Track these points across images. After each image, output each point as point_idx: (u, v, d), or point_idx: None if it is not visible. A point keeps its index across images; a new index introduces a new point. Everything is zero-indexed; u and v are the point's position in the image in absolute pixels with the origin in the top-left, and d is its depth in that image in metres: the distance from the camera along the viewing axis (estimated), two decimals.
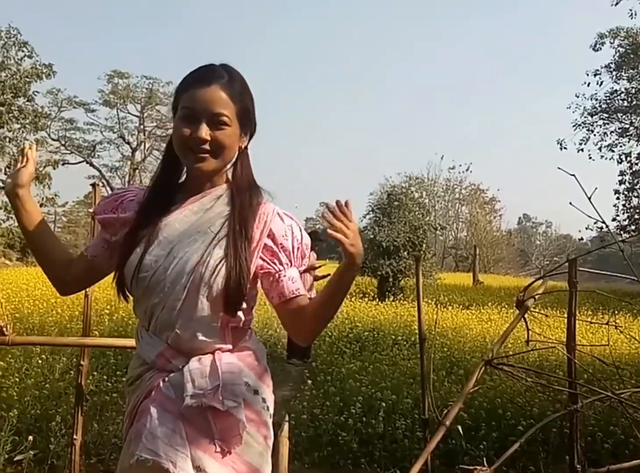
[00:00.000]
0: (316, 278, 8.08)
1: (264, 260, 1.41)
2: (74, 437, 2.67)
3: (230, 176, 1.48)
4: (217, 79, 1.37)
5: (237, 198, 1.42)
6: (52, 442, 3.56)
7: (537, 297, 2.08)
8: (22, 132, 24.42)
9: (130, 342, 1.76)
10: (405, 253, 14.90)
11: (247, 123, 1.44)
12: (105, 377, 4.87)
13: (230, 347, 1.41)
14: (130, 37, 67.67)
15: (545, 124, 78.15)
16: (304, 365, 6.93)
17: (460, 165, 41.05)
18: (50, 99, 34.61)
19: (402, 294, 14.43)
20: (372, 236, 15.03)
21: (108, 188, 40.28)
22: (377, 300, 13.12)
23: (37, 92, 25.34)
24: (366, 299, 12.80)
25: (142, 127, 39.71)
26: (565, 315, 2.70)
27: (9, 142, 24.13)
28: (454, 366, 6.15)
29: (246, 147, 1.47)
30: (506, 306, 12.72)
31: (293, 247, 1.43)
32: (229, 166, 1.45)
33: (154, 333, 1.40)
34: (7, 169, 23.63)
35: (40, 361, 4.84)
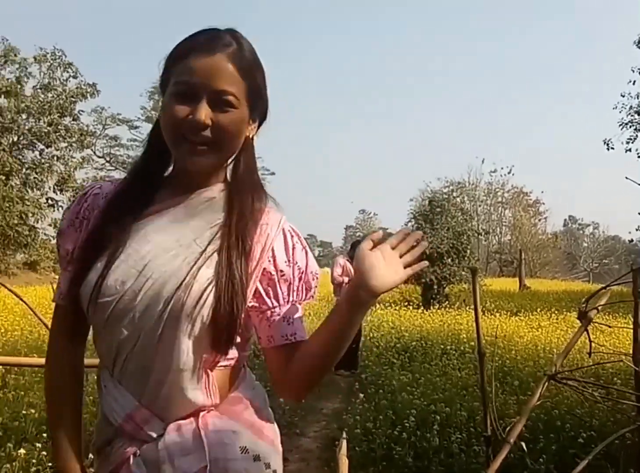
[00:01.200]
0: None
1: (256, 289, 1.08)
2: None
3: (228, 173, 1.14)
4: (223, 47, 1.02)
5: (236, 202, 1.08)
6: None
7: (600, 307, 2.01)
8: (69, 150, 25.22)
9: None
10: (449, 259, 14.72)
11: (258, 106, 1.10)
12: None
13: (216, 401, 1.07)
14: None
15: (590, 124, 76.44)
16: (352, 376, 6.89)
17: (502, 169, 40.63)
18: (94, 118, 35.55)
19: (447, 302, 14.24)
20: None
21: None
22: (422, 308, 12.97)
23: (82, 111, 26.13)
24: (411, 307, 12.68)
25: None
26: (630, 325, 2.59)
27: (57, 160, 24.92)
28: (507, 376, 6.01)
29: (253, 137, 1.13)
30: (556, 312, 12.42)
31: (294, 277, 1.09)
32: (230, 160, 1.12)
33: (120, 382, 1.04)
34: (56, 187, 24.43)
35: (95, 377, 4.93)
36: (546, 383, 2.22)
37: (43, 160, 24.53)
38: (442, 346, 7.58)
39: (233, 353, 1.09)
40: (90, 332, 1.13)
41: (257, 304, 1.08)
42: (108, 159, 38.61)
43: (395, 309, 12.12)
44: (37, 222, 23.37)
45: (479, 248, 32.69)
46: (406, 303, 13.97)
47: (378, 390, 5.18)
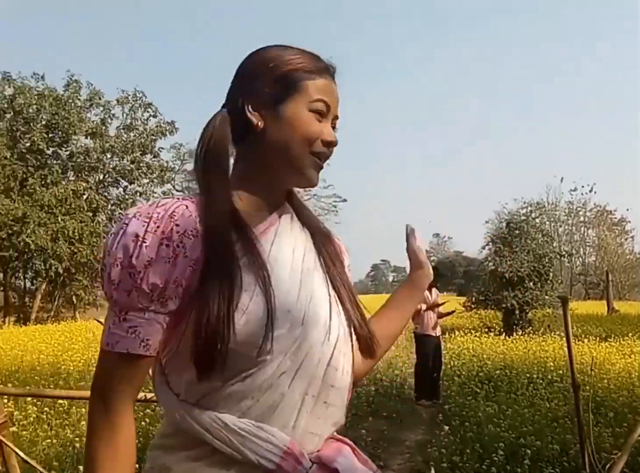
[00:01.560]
0: (440, 316, 7.93)
1: None
2: None
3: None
4: (334, 74, 1.05)
5: (313, 221, 1.10)
6: None
7: None
8: (151, 186, 26.42)
9: None
10: (531, 283, 14.22)
11: None
12: None
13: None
14: None
15: None
16: (433, 406, 6.72)
17: (582, 187, 38.99)
18: (173, 154, 37.05)
19: (530, 327, 13.69)
20: (493, 267, 14.51)
21: None
22: (505, 334, 12.54)
23: (161, 148, 27.39)
24: (492, 334, 12.29)
25: None
26: None
27: (140, 196, 26.12)
28: (600, 407, 5.69)
29: None
30: None
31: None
32: None
33: (262, 422, 0.90)
34: None
35: None
36: None
37: (127, 196, 25.81)
38: (527, 375, 7.28)
39: None
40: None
41: None
42: (187, 192, 39.94)
43: (476, 336, 11.77)
44: None
45: (562, 270, 31.44)
46: (486, 330, 13.55)
47: (463, 422, 5.02)
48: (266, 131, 0.98)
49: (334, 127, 1.03)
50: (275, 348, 0.89)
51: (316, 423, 0.95)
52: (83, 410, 4.76)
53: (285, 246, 0.99)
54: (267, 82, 0.99)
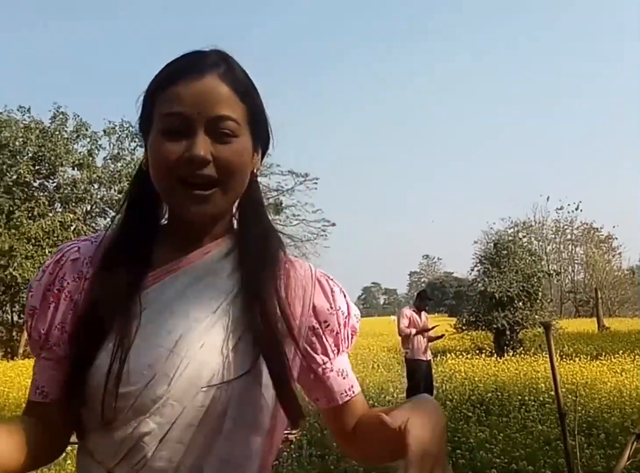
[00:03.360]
0: (431, 340, 7.91)
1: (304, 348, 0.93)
2: None
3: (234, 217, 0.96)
4: (212, 68, 0.86)
5: (251, 261, 0.90)
6: None
7: None
8: None
9: None
10: (521, 303, 14.26)
11: (261, 132, 0.93)
12: None
13: None
14: None
15: None
16: None
17: (568, 205, 39.39)
18: None
19: (522, 347, 13.68)
20: (482, 288, 14.55)
21: None
22: (496, 355, 12.52)
23: None
24: (483, 355, 12.27)
25: None
26: None
27: None
28: (592, 427, 5.68)
29: (256, 172, 0.94)
30: (639, 353, 11.72)
31: (340, 324, 0.94)
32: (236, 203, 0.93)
33: None
34: None
35: None
36: (635, 444, 2.08)
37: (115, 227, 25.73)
38: (519, 397, 7.26)
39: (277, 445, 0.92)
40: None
41: (305, 364, 0.92)
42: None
43: (468, 358, 11.75)
44: None
45: (551, 288, 31.55)
46: (478, 351, 13.53)
47: (455, 448, 4.99)
48: (148, 169, 0.88)
49: (220, 131, 0.84)
50: (123, 407, 0.79)
51: None
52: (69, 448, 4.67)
53: (181, 289, 0.87)
54: (141, 113, 0.90)
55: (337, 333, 0.94)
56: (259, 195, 0.96)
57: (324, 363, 0.94)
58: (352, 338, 0.97)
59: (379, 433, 0.79)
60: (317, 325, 0.93)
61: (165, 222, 0.94)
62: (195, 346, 0.82)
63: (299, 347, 0.90)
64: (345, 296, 0.97)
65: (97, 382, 0.79)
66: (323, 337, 0.93)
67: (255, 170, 0.93)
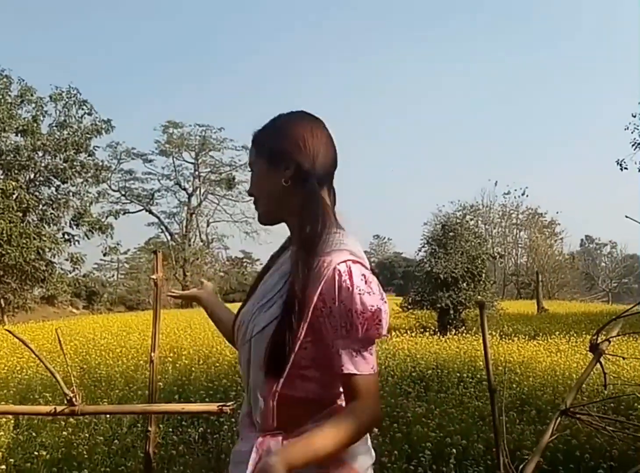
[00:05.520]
0: None
1: (313, 324, 1.21)
2: None
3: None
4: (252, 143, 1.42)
5: (294, 253, 1.29)
6: None
7: (612, 339, 1.96)
8: (85, 185, 25.65)
9: (198, 407, 1.71)
10: (465, 284, 14.62)
11: (278, 157, 1.34)
12: (170, 429, 4.89)
13: (274, 426, 1.26)
14: (183, 88, 70.40)
15: (603, 144, 75.84)
16: None
17: (515, 190, 40.49)
18: (109, 152, 36.23)
19: (464, 327, 14.08)
20: (429, 268, 14.83)
21: (167, 233, 41.51)
22: (439, 334, 12.83)
23: (97, 146, 26.66)
24: (427, 334, 12.55)
25: (197, 173, 40.92)
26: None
27: (73, 195, 25.32)
28: (525, 404, 5.90)
29: (290, 181, 1.33)
30: (575, 334, 12.23)
31: (339, 315, 1.19)
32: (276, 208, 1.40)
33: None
34: (72, 221, 24.75)
35: (108, 416, 4.91)
36: (559, 419, 2.17)
37: (59, 196, 24.94)
38: (458, 374, 7.47)
39: (308, 387, 1.24)
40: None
41: (311, 338, 1.21)
42: (123, 192, 39.11)
43: (412, 336, 12.00)
44: (54, 257, 23.70)
45: (495, 271, 32.46)
46: (422, 330, 13.83)
47: (392, 423, 5.10)
48: None
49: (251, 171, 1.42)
50: (237, 337, 1.36)
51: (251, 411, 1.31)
52: (3, 420, 4.57)
53: (270, 274, 1.39)
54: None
55: (336, 320, 1.19)
56: (298, 199, 1.31)
57: (331, 339, 1.20)
58: (357, 331, 1.18)
59: None
60: (323, 309, 1.19)
61: None
62: (260, 309, 1.30)
63: (306, 319, 1.20)
64: (353, 294, 1.18)
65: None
66: (325, 319, 1.19)
67: (283, 180, 1.32)
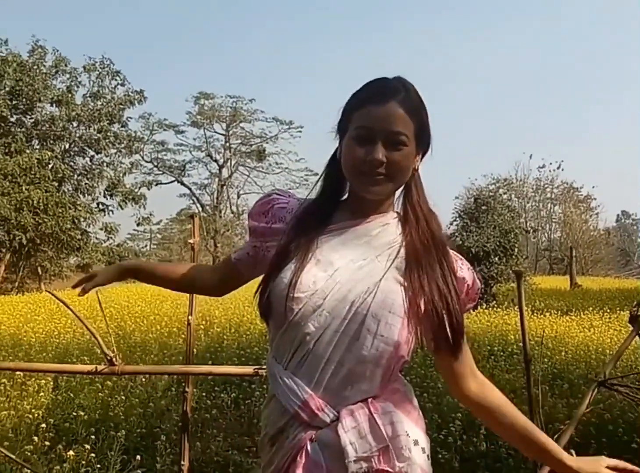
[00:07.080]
0: None
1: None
2: (182, 462, 2.71)
3: (398, 204, 1.32)
4: (394, 95, 1.19)
5: (412, 227, 1.26)
6: (158, 461, 3.69)
7: None
8: (118, 156, 25.94)
9: (236, 369, 1.74)
10: (497, 258, 14.48)
11: (424, 141, 1.26)
12: (204, 393, 4.99)
13: (380, 392, 1.19)
14: (214, 59, 70.16)
15: None
16: None
17: (550, 164, 39.51)
18: (142, 123, 36.34)
19: (495, 301, 13.98)
20: (460, 242, 14.69)
21: (198, 205, 41.90)
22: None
23: (130, 117, 26.81)
24: None
25: (227, 144, 40.91)
26: None
27: (107, 166, 25.64)
28: (557, 378, 5.85)
29: (417, 169, 1.28)
30: (608, 310, 12.04)
31: (462, 291, 1.28)
32: (399, 191, 1.29)
33: (294, 374, 1.17)
34: (106, 192, 25.14)
35: (144, 379, 5.03)
36: (595, 390, 2.13)
37: (93, 166, 25.29)
38: (489, 347, 7.45)
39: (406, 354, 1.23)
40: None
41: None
42: (156, 163, 39.40)
43: None
44: (89, 226, 24.11)
45: (528, 245, 31.99)
46: None
47: (422, 393, 5.12)
48: (340, 159, 1.26)
49: (395, 142, 1.19)
50: (295, 310, 1.16)
51: (340, 385, 1.15)
52: (43, 381, 4.71)
53: (346, 240, 1.25)
54: (340, 120, 1.27)
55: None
56: (420, 185, 1.30)
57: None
58: (470, 304, 1.35)
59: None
60: None
61: (346, 197, 1.32)
62: (346, 277, 1.18)
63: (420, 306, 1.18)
64: (474, 273, 1.33)
65: (281, 288, 1.18)
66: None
67: (416, 168, 1.27)
